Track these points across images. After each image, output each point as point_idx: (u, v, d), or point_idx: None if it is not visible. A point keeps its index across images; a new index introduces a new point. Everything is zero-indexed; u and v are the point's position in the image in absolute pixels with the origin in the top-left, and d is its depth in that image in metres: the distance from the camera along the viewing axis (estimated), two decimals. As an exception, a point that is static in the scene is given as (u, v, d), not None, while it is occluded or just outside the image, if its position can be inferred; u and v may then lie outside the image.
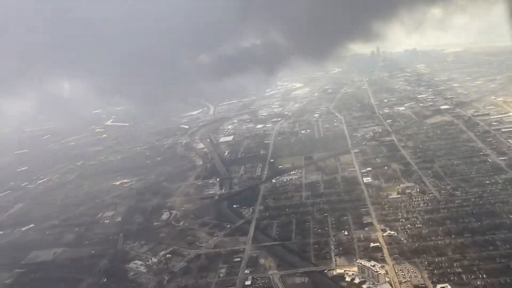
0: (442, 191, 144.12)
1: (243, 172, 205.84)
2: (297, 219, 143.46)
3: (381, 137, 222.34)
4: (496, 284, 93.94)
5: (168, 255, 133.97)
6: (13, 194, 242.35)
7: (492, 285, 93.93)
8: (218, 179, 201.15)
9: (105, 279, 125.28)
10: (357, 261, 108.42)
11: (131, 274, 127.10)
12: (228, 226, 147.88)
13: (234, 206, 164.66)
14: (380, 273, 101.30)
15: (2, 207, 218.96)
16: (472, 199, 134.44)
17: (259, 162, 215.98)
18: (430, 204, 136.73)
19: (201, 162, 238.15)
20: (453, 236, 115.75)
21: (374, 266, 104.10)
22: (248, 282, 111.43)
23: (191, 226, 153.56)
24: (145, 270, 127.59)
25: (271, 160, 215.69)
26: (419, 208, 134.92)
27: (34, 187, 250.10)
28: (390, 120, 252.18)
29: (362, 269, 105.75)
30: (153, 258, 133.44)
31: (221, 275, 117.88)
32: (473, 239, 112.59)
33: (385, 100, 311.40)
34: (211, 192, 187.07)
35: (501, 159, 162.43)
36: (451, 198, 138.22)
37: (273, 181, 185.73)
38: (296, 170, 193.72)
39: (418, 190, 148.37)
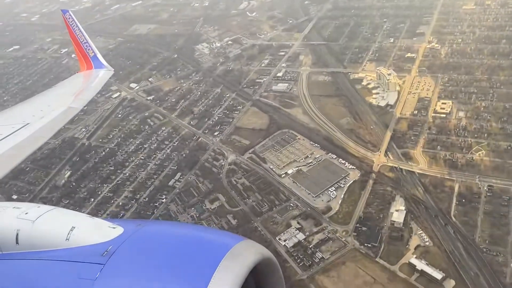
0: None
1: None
2: (356, 22, 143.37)
3: None
4: (499, 108, 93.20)
5: (229, 42, 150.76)
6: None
7: (495, 108, 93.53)
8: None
9: (176, 55, 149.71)
10: (377, 68, 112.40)
11: (196, 54, 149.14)
12: (291, 21, 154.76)
13: (306, 2, 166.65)
14: (391, 81, 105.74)
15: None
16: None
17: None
18: (500, 20, 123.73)
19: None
20: (496, 57, 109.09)
21: (389, 74, 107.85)
22: (280, 74, 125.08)
23: (260, 18, 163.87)
24: (207, 52, 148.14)
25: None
26: (485, 23, 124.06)
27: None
28: None
29: (379, 76, 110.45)
30: (217, 43, 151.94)
31: (263, 65, 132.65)
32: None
33: None
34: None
35: None
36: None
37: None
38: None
39: (499, 2, 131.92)
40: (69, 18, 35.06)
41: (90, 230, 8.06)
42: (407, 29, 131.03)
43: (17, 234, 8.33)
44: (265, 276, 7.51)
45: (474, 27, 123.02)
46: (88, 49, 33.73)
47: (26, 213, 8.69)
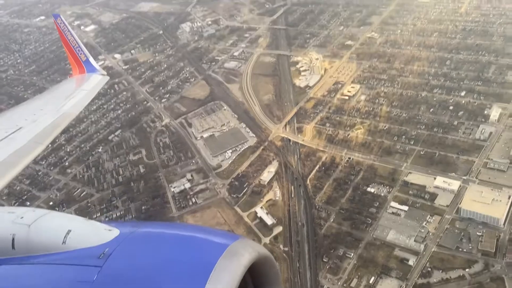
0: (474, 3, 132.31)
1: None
2: (320, 9, 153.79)
3: None
4: (396, 94, 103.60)
5: (209, 22, 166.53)
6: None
7: (393, 94, 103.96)
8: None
9: (161, 32, 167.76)
10: (309, 53, 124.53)
11: (179, 31, 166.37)
12: (267, 6, 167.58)
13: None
14: (315, 66, 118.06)
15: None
16: (493, 18, 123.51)
17: None
18: (444, 14, 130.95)
19: None
20: (420, 48, 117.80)
21: (317, 59, 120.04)
22: (236, 53, 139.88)
23: (245, 1, 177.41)
24: (188, 30, 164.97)
25: None
26: (428, 16, 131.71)
27: None
28: None
29: (310, 60, 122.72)
30: (198, 23, 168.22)
31: (227, 44, 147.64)
32: (435, 55, 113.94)
33: None
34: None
35: None
36: (476, 11, 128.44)
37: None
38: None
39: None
40: (61, 23, 34.18)
41: (86, 233, 7.85)
42: (360, 18, 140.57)
43: (13, 239, 8.08)
44: (262, 273, 7.33)
45: (418, 20, 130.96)
46: (80, 53, 32.93)
47: (22, 218, 8.43)
